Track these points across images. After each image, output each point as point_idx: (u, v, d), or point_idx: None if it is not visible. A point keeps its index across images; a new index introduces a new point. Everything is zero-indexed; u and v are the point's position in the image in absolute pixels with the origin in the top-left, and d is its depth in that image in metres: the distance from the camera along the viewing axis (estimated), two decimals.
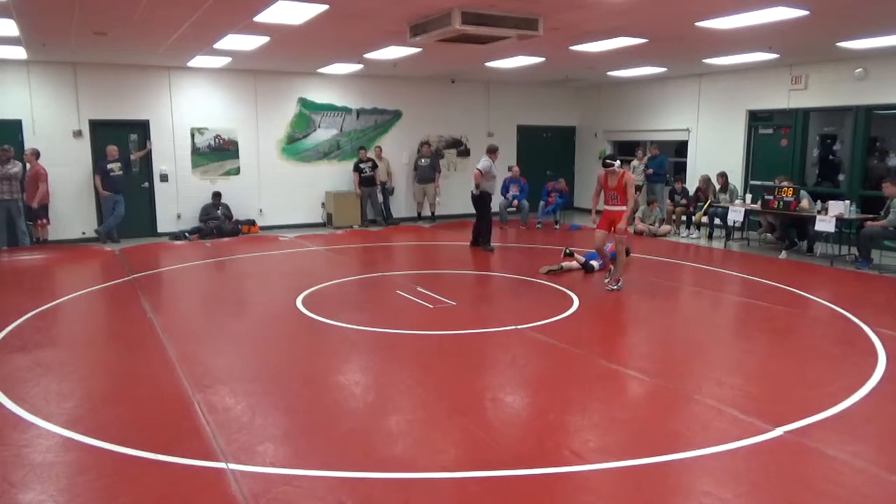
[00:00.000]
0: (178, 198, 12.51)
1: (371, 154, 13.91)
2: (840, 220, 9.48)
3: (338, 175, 13.98)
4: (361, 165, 13.67)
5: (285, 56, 10.74)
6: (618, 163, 7.94)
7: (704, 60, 11.24)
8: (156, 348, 5.67)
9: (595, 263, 8.98)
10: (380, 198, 14.07)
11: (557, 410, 4.46)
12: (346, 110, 13.97)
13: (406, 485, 3.44)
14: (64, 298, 7.58)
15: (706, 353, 5.79)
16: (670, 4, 6.95)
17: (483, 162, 10.69)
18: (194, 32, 8.45)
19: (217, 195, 12.62)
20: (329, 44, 9.50)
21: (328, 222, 13.77)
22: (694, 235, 12.32)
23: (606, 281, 8.04)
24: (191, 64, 11.62)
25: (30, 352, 5.60)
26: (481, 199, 10.68)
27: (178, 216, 12.53)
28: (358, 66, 12.12)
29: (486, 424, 4.20)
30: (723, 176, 11.95)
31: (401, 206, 14.60)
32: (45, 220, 11.15)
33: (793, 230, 10.74)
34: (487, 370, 5.42)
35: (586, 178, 16.59)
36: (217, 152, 12.88)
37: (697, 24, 7.81)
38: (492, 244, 10.82)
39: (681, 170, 14.11)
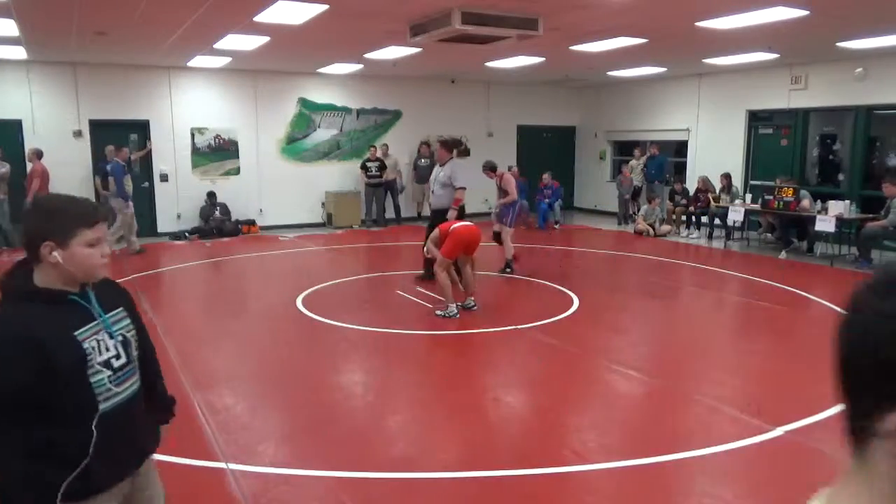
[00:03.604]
0: (178, 198, 12.50)
1: (378, 152, 13.82)
2: (840, 220, 9.48)
3: (338, 175, 13.97)
4: (368, 164, 13.65)
5: (285, 56, 10.74)
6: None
7: (704, 60, 11.24)
8: (156, 348, 5.66)
9: None
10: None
11: (558, 410, 4.46)
12: (346, 110, 13.97)
13: (406, 485, 3.44)
14: None
15: (706, 353, 5.78)
16: (670, 4, 6.95)
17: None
18: (194, 32, 8.45)
19: (212, 195, 12.60)
20: (329, 44, 9.50)
21: (328, 222, 13.76)
22: (694, 235, 12.32)
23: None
24: (191, 64, 11.62)
25: None
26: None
27: (178, 216, 12.52)
28: (358, 66, 12.12)
29: (486, 424, 4.20)
30: (726, 177, 11.93)
31: (400, 205, 14.59)
32: None
33: (793, 230, 10.74)
34: (487, 370, 5.42)
35: (586, 178, 16.61)
36: (217, 152, 12.87)
37: (697, 24, 7.81)
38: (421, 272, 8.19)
39: (681, 170, 14.11)
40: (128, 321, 1.88)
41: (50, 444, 1.64)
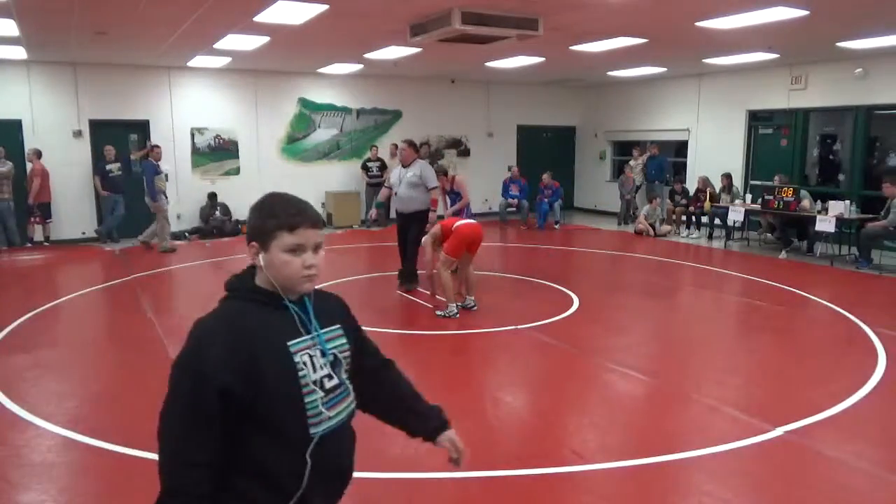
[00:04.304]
0: (178, 198, 12.49)
1: (386, 151, 13.71)
2: (840, 220, 9.49)
3: (338, 175, 13.97)
4: (369, 164, 13.62)
5: (285, 56, 10.74)
6: None
7: (704, 60, 11.24)
8: (156, 348, 5.66)
9: None
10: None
11: (558, 410, 4.46)
12: (346, 110, 13.97)
13: (407, 485, 3.44)
14: (64, 298, 7.58)
15: (706, 353, 5.78)
16: (670, 4, 6.95)
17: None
18: (194, 32, 8.45)
19: (213, 196, 12.60)
20: (329, 44, 9.50)
21: (328, 222, 13.76)
22: (694, 235, 12.32)
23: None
24: (191, 64, 11.62)
25: (30, 352, 5.60)
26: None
27: (178, 216, 12.50)
28: (358, 66, 12.12)
29: (486, 424, 4.20)
30: (727, 177, 11.94)
31: None
32: (37, 219, 11.16)
33: (793, 230, 10.74)
34: (488, 370, 5.42)
35: (586, 178, 16.62)
36: (217, 152, 12.88)
37: (697, 24, 7.81)
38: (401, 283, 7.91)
39: (681, 170, 14.11)
40: (343, 341, 1.71)
41: (264, 468, 1.52)
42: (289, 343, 1.55)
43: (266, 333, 1.53)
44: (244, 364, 1.47)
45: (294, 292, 1.60)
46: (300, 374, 1.54)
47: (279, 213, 1.59)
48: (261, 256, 1.59)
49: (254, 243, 1.61)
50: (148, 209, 10.54)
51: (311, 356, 1.58)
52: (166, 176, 11.25)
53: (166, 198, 10.80)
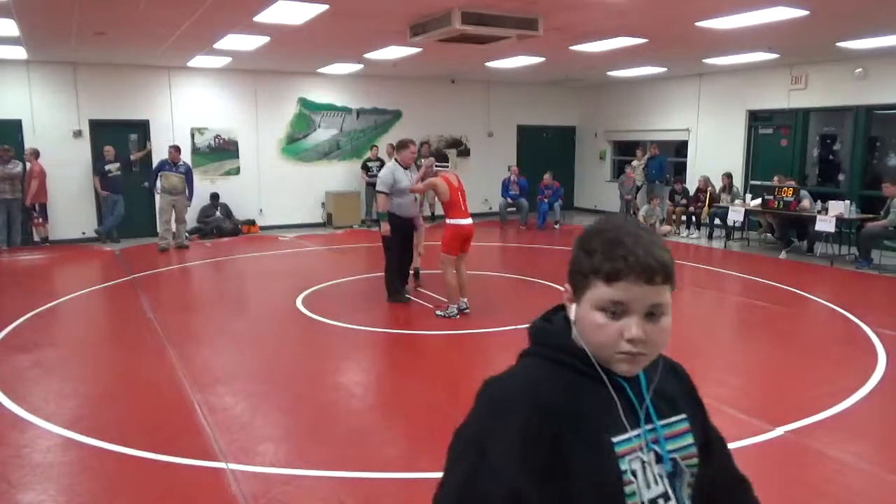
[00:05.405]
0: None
1: (386, 152, 13.73)
2: (840, 220, 9.49)
3: (338, 175, 13.97)
4: (369, 164, 13.62)
5: (285, 56, 10.74)
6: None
7: (704, 60, 11.24)
8: (156, 348, 5.67)
9: None
10: None
11: None
12: (346, 110, 13.97)
13: (406, 485, 3.44)
14: (64, 298, 7.57)
15: (706, 353, 5.78)
16: (670, 4, 6.95)
17: (383, 170, 7.64)
18: (194, 32, 8.45)
19: (215, 196, 12.61)
20: (329, 44, 9.50)
21: (328, 222, 13.76)
22: (694, 235, 12.32)
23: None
24: (191, 64, 11.62)
25: (30, 352, 5.60)
26: (393, 233, 7.34)
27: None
28: (358, 66, 12.12)
29: None
30: (728, 176, 11.94)
31: None
32: (33, 220, 11.18)
33: (793, 230, 10.74)
34: (488, 370, 5.41)
35: (586, 178, 16.62)
36: (217, 152, 12.88)
37: (697, 24, 7.81)
38: (403, 294, 7.44)
39: (681, 170, 14.11)
40: (690, 441, 1.14)
41: None
42: (614, 440, 1.06)
43: (582, 421, 1.06)
44: (547, 460, 1.03)
45: (609, 365, 1.09)
46: (626, 489, 1.05)
47: (597, 250, 1.07)
48: (573, 306, 1.15)
49: (568, 285, 1.16)
50: (151, 209, 10.58)
51: (643, 462, 1.07)
52: (185, 175, 11.21)
53: (189, 198, 11.21)
